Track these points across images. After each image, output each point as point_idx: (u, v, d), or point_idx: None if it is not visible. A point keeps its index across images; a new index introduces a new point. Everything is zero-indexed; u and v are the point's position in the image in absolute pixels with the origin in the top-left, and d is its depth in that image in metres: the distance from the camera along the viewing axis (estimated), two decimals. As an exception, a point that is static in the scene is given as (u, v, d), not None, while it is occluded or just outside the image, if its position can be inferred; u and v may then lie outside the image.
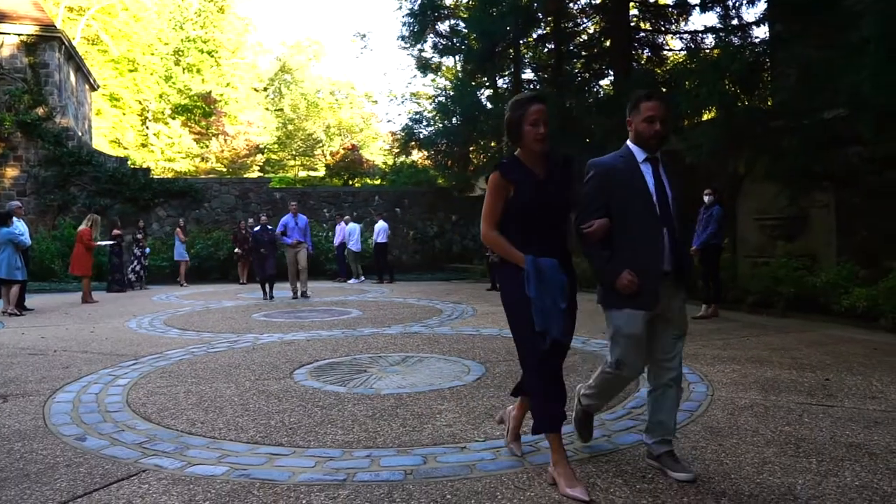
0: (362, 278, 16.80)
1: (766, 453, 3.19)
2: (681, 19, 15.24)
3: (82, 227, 12.39)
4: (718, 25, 12.64)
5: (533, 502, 2.66)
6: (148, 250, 16.22)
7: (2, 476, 3.04)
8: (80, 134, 19.12)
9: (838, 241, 9.25)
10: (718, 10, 11.94)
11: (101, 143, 28.04)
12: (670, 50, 16.15)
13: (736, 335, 6.85)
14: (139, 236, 15.93)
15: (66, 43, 18.92)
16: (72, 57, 19.87)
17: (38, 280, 14.50)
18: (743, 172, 9.87)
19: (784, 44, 8.95)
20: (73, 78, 20.28)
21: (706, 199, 8.56)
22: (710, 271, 8.50)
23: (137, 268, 15.52)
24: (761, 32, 11.42)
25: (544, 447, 3.34)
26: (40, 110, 17.77)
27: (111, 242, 14.36)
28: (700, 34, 14.54)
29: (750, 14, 26.31)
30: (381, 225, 16.68)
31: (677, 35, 15.55)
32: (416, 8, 19.34)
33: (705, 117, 10.01)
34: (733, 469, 2.98)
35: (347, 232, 16.79)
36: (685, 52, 14.63)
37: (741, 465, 3.04)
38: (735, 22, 11.65)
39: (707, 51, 13.25)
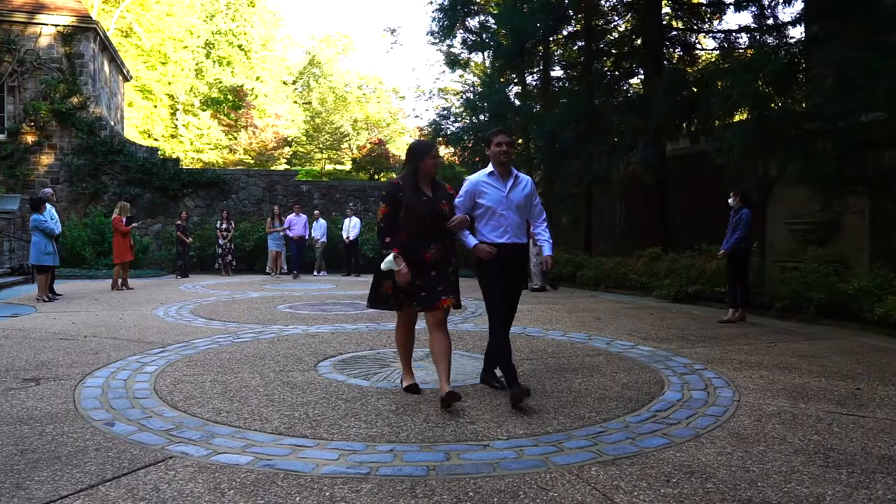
0: (324, 272, 17.58)
1: (794, 462, 3.13)
2: (714, 18, 15.04)
3: (114, 215, 12.61)
4: (753, 25, 12.47)
5: (556, 503, 2.65)
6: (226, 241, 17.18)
7: (35, 457, 3.11)
8: (112, 123, 19.44)
9: (872, 248, 9.05)
10: (753, 9, 11.77)
11: (131, 133, 28.51)
12: (703, 49, 15.95)
13: (763, 340, 6.75)
14: (224, 226, 16.89)
15: (101, 34, 19.24)
16: (106, 48, 20.20)
17: (68, 266, 14.80)
18: (774, 175, 9.70)
19: (820, 45, 8.77)
20: (106, 68, 20.62)
21: (731, 201, 8.45)
22: (738, 275, 8.38)
23: (222, 253, 16.93)
24: (797, 33, 11.26)
25: (567, 447, 3.33)
26: (75, 99, 18.10)
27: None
28: (734, 34, 14.32)
29: (786, 14, 25.84)
30: (353, 220, 17.36)
31: (710, 34, 15.33)
32: (446, 3, 19.29)
33: (736, 118, 9.86)
34: (760, 477, 2.94)
35: (320, 225, 17.64)
36: (718, 51, 14.43)
37: (768, 472, 2.99)
38: (770, 22, 11.48)
39: (741, 51, 13.05)
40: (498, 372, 4.53)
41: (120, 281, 12.10)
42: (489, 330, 4.48)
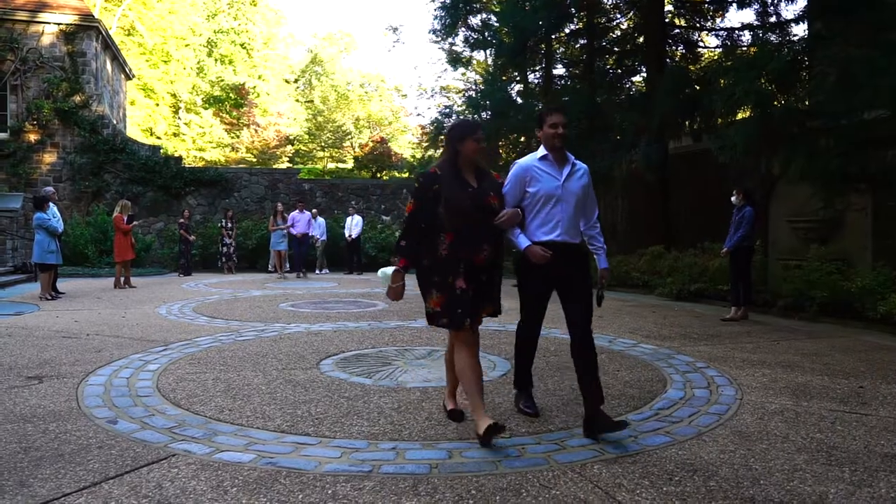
0: (326, 270, 17.54)
1: (796, 460, 3.13)
2: (717, 16, 14.99)
3: (115, 214, 12.63)
4: (756, 22, 12.43)
5: (558, 501, 2.65)
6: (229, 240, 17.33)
7: (38, 455, 3.12)
8: (114, 122, 19.46)
9: (874, 246, 9.03)
10: (756, 6, 11.74)
11: (134, 131, 28.54)
12: (705, 47, 15.90)
13: (766, 339, 6.74)
14: (229, 225, 17.10)
15: (104, 32, 19.25)
16: (108, 46, 20.22)
17: (71, 265, 14.82)
18: (777, 173, 9.68)
19: (823, 42, 8.75)
20: (109, 67, 20.64)
21: (734, 199, 8.43)
22: (741, 273, 8.37)
23: (231, 252, 17.11)
24: (800, 30, 11.23)
25: (570, 445, 3.33)
26: (77, 98, 18.12)
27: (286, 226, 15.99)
28: (737, 31, 14.27)
29: (789, 11, 25.73)
30: (356, 218, 17.32)
31: (713, 32, 15.30)
32: (448, 1, 19.29)
33: (739, 116, 9.84)
34: (763, 475, 2.94)
35: (318, 224, 17.49)
36: (721, 49, 14.39)
37: (771, 470, 2.99)
38: (773, 19, 11.45)
39: (744, 48, 13.01)
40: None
41: (122, 279, 12.11)
42: (515, 346, 4.00)
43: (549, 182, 3.68)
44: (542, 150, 3.76)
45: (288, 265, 16.64)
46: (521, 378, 4.02)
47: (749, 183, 9.34)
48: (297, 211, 16.00)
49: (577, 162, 3.81)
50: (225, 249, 17.04)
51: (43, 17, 17.93)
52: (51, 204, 10.39)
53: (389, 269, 3.61)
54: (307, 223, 15.97)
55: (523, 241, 3.64)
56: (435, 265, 3.41)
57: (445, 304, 3.39)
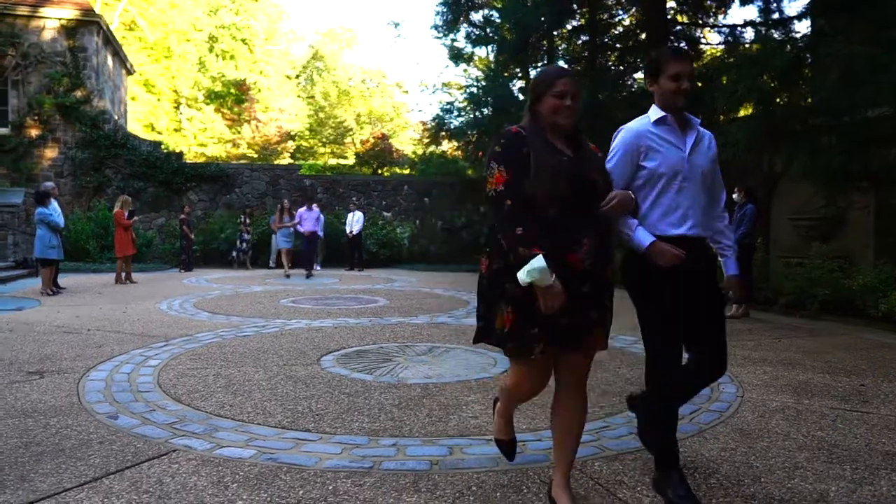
0: (318, 266, 16.97)
1: (797, 458, 3.13)
2: (719, 12, 14.96)
3: (116, 209, 12.63)
4: (758, 19, 12.38)
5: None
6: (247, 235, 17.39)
7: (38, 450, 3.12)
8: (115, 117, 19.45)
9: (876, 244, 9.03)
10: (759, 3, 11.69)
11: (135, 127, 28.51)
12: (708, 44, 15.86)
13: (767, 336, 6.73)
14: (248, 221, 17.21)
15: (105, 27, 19.23)
16: (109, 41, 20.19)
17: (72, 260, 14.82)
18: (779, 171, 9.67)
19: (826, 39, 8.72)
20: (110, 62, 20.61)
21: (735, 197, 8.40)
22: (742, 271, 8.32)
23: (245, 248, 17.13)
24: (803, 27, 11.17)
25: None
26: (78, 93, 18.11)
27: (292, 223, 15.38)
28: (739, 28, 14.24)
29: (792, 8, 25.70)
30: (357, 214, 17.06)
31: (715, 28, 15.26)
32: (449, -3, 19.24)
33: (742, 113, 9.82)
34: (763, 472, 2.93)
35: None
36: (723, 46, 14.36)
37: (772, 468, 2.99)
38: (776, 16, 11.40)
39: (746, 45, 12.98)
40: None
41: (123, 275, 12.12)
42: (650, 389, 2.76)
43: (671, 154, 2.66)
44: (655, 111, 2.73)
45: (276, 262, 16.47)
46: (669, 451, 2.62)
47: (751, 180, 9.32)
48: (304, 208, 15.14)
49: (703, 129, 2.81)
50: (243, 245, 17.10)
51: (44, 11, 17.91)
52: (52, 199, 10.38)
53: (535, 262, 2.23)
54: (315, 221, 15.06)
55: (644, 237, 2.61)
56: (507, 267, 2.37)
57: (516, 324, 2.36)
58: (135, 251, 12.94)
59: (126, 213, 12.38)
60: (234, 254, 17.17)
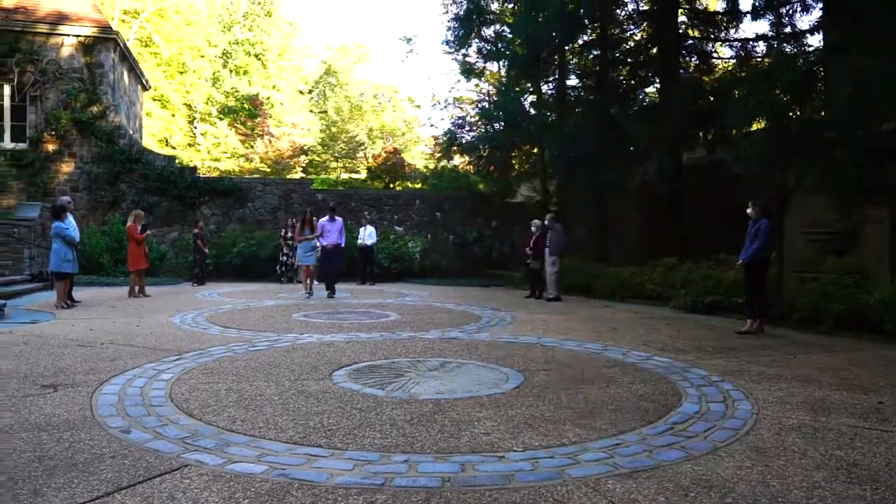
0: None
1: (815, 477, 3.08)
2: (731, 27, 14.97)
3: (129, 224, 12.74)
4: (770, 33, 12.39)
5: (572, 516, 2.61)
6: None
7: (52, 464, 3.13)
8: (131, 132, 19.67)
9: (892, 258, 8.93)
10: (771, 17, 11.70)
11: (150, 142, 28.83)
12: (719, 58, 15.89)
13: (782, 352, 6.66)
14: (289, 235, 16.99)
15: (121, 44, 19.51)
16: (126, 58, 20.47)
17: (87, 273, 14.94)
18: (792, 185, 9.62)
19: (839, 53, 8.70)
20: (126, 78, 20.89)
21: (749, 211, 8.34)
22: (756, 286, 8.28)
23: (291, 262, 16.86)
24: (815, 41, 11.16)
25: (583, 459, 3.29)
26: (94, 109, 18.33)
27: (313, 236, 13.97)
28: (751, 42, 14.26)
29: (804, 22, 25.65)
30: (369, 229, 17.16)
31: (727, 43, 15.27)
32: (461, 13, 19.40)
33: (754, 127, 9.79)
34: (780, 492, 2.89)
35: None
36: (735, 60, 14.36)
37: (789, 488, 2.94)
38: (788, 30, 11.41)
39: (758, 59, 12.97)
40: None
41: (136, 289, 12.19)
42: None
43: None
44: None
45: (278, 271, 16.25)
46: None
47: (765, 195, 9.26)
48: (325, 218, 13.29)
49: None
50: (284, 259, 17.15)
51: (62, 29, 18.19)
52: (68, 213, 10.49)
53: None
54: (338, 233, 13.21)
55: None
56: None
57: None
58: (148, 265, 13.02)
59: (139, 228, 12.47)
60: (279, 269, 17.09)
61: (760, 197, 8.67)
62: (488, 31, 20.31)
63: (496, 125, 18.56)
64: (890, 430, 3.86)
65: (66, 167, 18.29)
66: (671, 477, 3.06)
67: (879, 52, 7.86)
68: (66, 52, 18.27)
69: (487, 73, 25.90)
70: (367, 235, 17.03)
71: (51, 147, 18.13)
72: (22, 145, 17.99)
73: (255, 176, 29.20)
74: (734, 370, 5.61)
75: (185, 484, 2.91)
